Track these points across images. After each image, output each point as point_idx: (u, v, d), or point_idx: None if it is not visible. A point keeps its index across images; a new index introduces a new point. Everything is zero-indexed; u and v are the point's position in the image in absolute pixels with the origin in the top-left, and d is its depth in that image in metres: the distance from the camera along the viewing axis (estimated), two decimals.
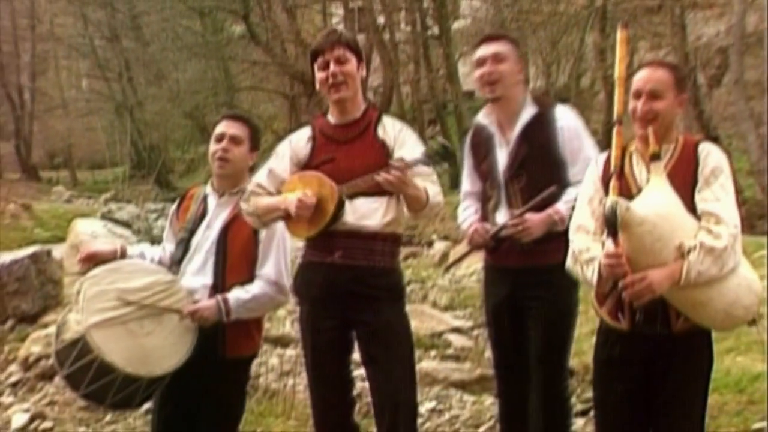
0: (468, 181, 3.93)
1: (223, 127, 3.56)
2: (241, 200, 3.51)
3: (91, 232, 3.67)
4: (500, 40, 3.83)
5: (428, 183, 3.46)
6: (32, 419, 5.37)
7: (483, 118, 3.85)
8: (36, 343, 6.47)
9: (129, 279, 3.35)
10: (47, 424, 5.29)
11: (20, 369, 6.34)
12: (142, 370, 3.23)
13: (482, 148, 3.83)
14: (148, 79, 27.12)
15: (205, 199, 3.60)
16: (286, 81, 23.66)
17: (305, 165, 3.59)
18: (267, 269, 3.47)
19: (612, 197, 2.85)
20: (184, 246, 3.53)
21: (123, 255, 3.55)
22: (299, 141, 3.67)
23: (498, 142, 3.77)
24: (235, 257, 3.47)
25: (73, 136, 31.02)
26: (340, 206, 3.43)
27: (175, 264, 3.52)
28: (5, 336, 7.39)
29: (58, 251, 8.59)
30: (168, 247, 3.62)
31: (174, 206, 3.73)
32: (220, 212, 3.54)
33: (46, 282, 7.86)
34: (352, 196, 3.43)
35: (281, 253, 3.52)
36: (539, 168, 3.64)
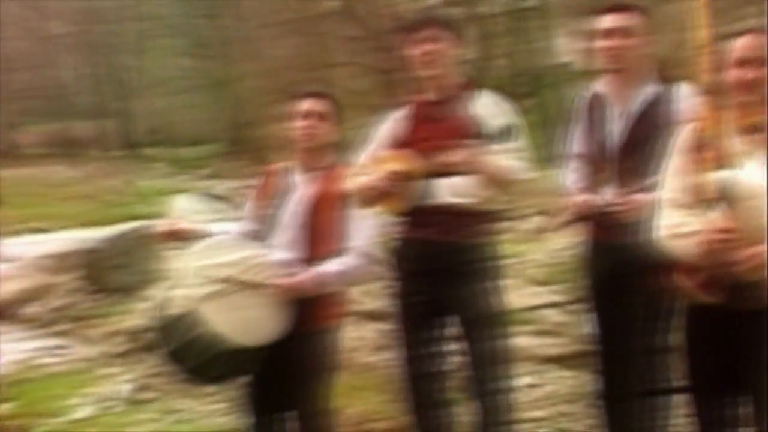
0: (580, 143, 3.84)
1: (309, 104, 3.61)
2: (346, 180, 3.55)
3: (190, 207, 3.74)
4: (630, 11, 3.65)
5: (513, 159, 3.42)
6: (137, 390, 5.54)
7: (601, 87, 3.75)
8: (140, 315, 6.64)
9: (227, 253, 3.43)
10: (152, 395, 5.45)
11: (125, 341, 6.52)
12: (248, 340, 3.31)
13: (597, 116, 3.74)
14: (245, 55, 27.44)
15: (290, 175, 3.65)
16: (381, 56, 23.64)
17: (401, 143, 3.60)
18: (358, 242, 3.52)
19: (723, 171, 2.79)
20: (271, 222, 3.59)
21: (206, 233, 3.63)
22: (396, 120, 3.69)
23: (614, 115, 3.68)
24: (324, 231, 3.52)
25: (173, 113, 31.64)
26: (422, 182, 3.43)
27: (262, 239, 3.57)
28: (110, 309, 7.61)
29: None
30: (249, 224, 3.68)
31: (255, 183, 3.79)
32: (308, 188, 3.59)
33: (148, 256, 8.06)
34: (435, 174, 3.42)
35: (370, 226, 3.56)
36: (653, 148, 3.53)
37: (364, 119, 3.94)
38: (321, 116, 3.62)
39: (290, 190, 3.64)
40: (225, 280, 3.34)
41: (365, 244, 3.55)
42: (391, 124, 3.73)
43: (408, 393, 3.78)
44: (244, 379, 3.59)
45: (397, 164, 3.49)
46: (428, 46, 3.56)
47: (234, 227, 3.75)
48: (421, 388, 3.76)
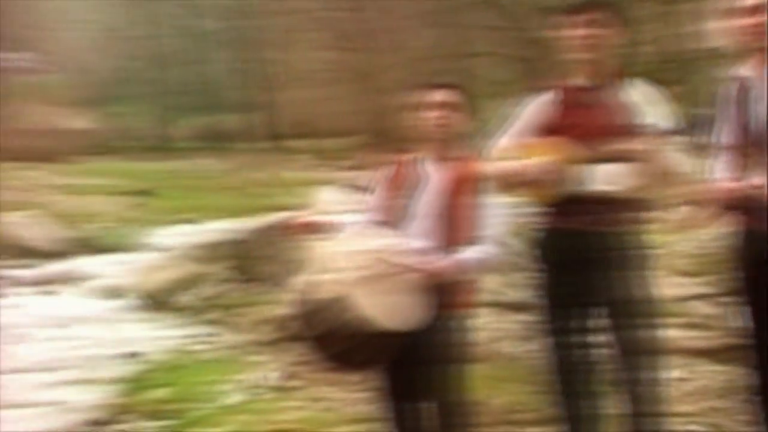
0: (727, 130, 3.71)
1: (442, 95, 3.65)
2: (487, 165, 3.55)
3: (334, 198, 3.83)
4: None
5: (674, 150, 3.35)
6: (284, 378, 5.67)
7: (746, 70, 3.63)
8: (287, 305, 6.78)
9: (370, 240, 3.47)
10: (298, 383, 5.57)
11: (273, 329, 6.68)
12: (395, 325, 3.35)
13: (742, 100, 3.62)
14: (388, 47, 27.68)
15: (422, 165, 3.67)
16: (522, 45, 23.42)
17: (548, 129, 3.57)
18: (492, 230, 3.53)
19: None
20: (404, 211, 3.62)
21: (344, 223, 3.69)
22: (542, 105, 3.66)
23: (759, 97, 3.55)
24: (459, 220, 3.55)
25: (317, 105, 32.20)
26: (575, 170, 3.38)
27: (395, 229, 3.61)
28: (258, 298, 7.82)
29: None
30: (380, 215, 3.71)
31: (385, 174, 3.81)
32: (442, 177, 3.62)
33: (293, 247, 8.24)
34: (593, 162, 3.38)
35: (505, 215, 3.58)
36: None
37: (504, 108, 3.92)
38: (454, 107, 3.65)
39: (423, 180, 3.67)
40: (370, 266, 3.39)
41: (500, 233, 3.56)
42: (536, 108, 3.69)
43: (553, 384, 3.75)
44: (383, 368, 3.62)
45: (551, 152, 3.45)
46: (591, 30, 3.52)
47: (365, 217, 3.81)
48: (567, 379, 3.72)
